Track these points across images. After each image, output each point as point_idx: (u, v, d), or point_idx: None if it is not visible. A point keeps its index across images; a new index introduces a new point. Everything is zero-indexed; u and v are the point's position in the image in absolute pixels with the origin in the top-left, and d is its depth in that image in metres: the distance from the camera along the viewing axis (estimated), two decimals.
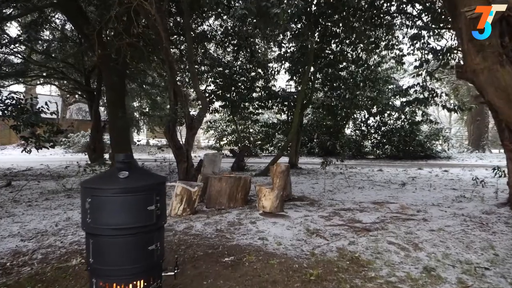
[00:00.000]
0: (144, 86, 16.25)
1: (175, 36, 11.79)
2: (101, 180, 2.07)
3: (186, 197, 4.63)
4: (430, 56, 9.31)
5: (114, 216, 1.86)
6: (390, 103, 16.77)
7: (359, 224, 4.19)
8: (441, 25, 7.59)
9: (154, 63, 10.93)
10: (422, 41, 8.61)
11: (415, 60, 9.63)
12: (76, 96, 20.35)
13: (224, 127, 20.98)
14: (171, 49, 12.17)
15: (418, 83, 9.87)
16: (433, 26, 7.92)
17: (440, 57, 8.92)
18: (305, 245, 3.51)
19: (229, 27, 12.26)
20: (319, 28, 10.45)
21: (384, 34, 10.77)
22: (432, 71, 9.88)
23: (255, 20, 9.56)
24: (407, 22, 9.57)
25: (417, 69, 9.76)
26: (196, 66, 14.33)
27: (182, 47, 12.19)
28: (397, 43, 10.24)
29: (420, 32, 8.72)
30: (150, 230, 1.96)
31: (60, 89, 18.89)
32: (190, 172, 7.65)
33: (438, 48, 8.80)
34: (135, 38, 7.23)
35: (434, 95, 9.73)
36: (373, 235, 3.73)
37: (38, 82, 16.82)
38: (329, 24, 10.40)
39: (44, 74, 14.26)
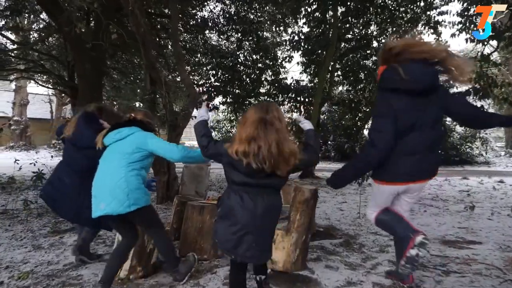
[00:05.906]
0: (139, 82, 14.42)
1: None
2: None
3: (136, 247, 2.63)
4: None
5: None
6: None
7: None
8: None
9: (114, 35, 8.97)
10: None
11: (467, 41, 7.42)
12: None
13: (229, 127, 18.92)
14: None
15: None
16: None
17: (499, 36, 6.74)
18: None
19: (233, 12, 10.41)
20: (342, 6, 8.46)
21: (422, 11, 8.68)
22: (488, 54, 7.69)
23: None
24: None
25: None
26: (197, 59, 12.42)
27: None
28: (441, 20, 8.10)
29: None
30: None
31: (44, 86, 17.12)
32: (173, 187, 5.70)
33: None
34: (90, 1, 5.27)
35: (493, 85, 7.57)
36: None
37: (14, 77, 15.13)
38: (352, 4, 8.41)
39: (22, 67, 12.49)
